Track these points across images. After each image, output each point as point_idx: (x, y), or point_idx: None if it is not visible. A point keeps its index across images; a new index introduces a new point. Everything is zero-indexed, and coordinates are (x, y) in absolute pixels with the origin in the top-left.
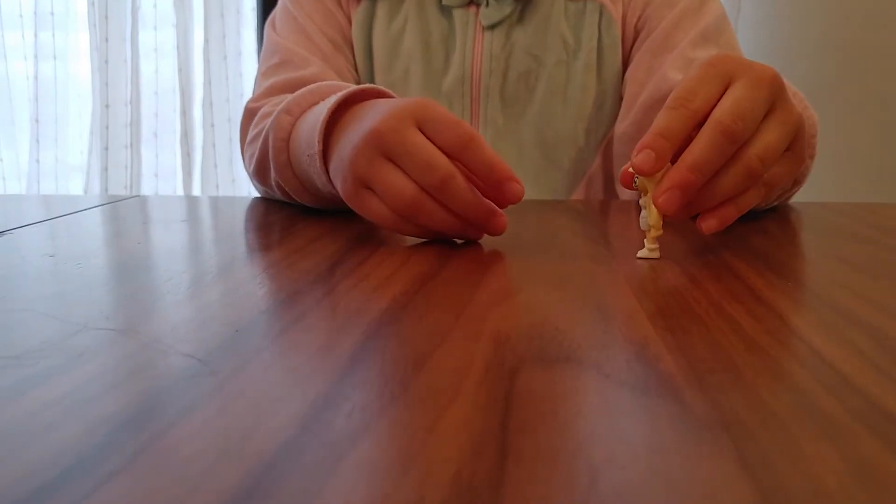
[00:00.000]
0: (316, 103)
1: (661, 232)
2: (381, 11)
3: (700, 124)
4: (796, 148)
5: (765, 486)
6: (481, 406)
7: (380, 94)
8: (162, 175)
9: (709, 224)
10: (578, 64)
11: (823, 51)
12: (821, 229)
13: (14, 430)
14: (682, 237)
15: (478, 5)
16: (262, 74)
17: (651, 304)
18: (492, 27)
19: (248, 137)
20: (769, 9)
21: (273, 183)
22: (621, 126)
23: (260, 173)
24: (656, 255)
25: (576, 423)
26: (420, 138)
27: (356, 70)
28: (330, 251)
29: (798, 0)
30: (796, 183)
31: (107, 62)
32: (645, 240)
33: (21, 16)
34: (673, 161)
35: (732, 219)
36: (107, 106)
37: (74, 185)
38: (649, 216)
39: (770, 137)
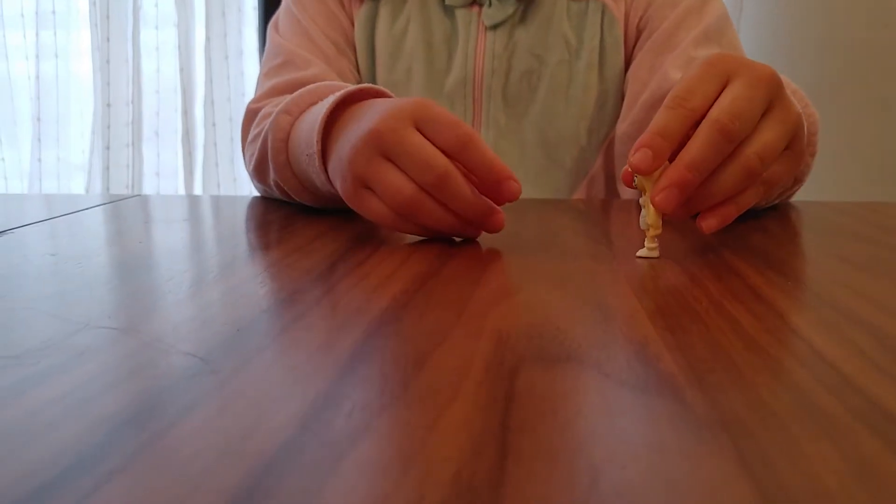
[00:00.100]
0: (315, 103)
1: (659, 231)
2: (384, 12)
3: (698, 123)
4: (795, 147)
5: (765, 485)
6: (481, 405)
7: (378, 94)
8: (163, 174)
9: (709, 223)
10: (581, 63)
11: (825, 50)
12: (821, 228)
13: (15, 429)
14: (683, 236)
15: (480, 5)
16: (265, 75)
17: (651, 303)
18: (494, 27)
19: (249, 137)
20: (771, 8)
21: (272, 182)
22: (623, 125)
23: (259, 173)
24: (655, 254)
25: (576, 423)
26: (418, 138)
27: (358, 71)
28: (330, 250)
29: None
30: (797, 181)
31: (108, 61)
32: (645, 239)
33: (22, 15)
34: (671, 160)
35: (732, 217)
36: (108, 105)
37: (76, 185)
38: (647, 215)
39: (768, 136)
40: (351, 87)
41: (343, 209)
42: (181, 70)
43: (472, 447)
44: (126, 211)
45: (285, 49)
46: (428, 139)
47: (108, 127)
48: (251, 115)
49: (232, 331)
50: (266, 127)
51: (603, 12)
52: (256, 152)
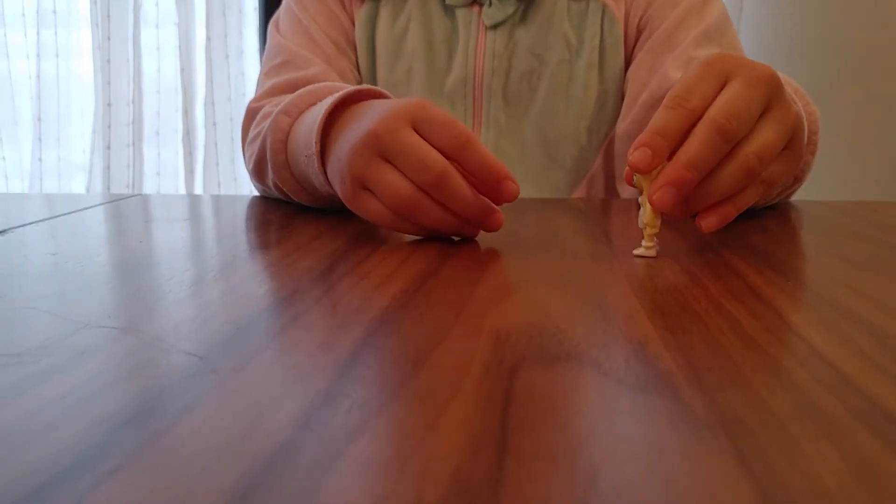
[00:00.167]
0: (314, 104)
1: (656, 230)
2: (385, 11)
3: (697, 123)
4: (794, 146)
5: (764, 485)
6: (480, 404)
7: (376, 95)
8: (164, 174)
9: (708, 222)
10: (581, 63)
11: (825, 50)
12: (821, 227)
13: (15, 429)
14: (682, 235)
15: (481, 5)
16: (265, 74)
17: (651, 302)
18: (494, 27)
19: (249, 137)
20: (771, 8)
21: (271, 183)
22: (623, 125)
23: (258, 173)
24: (652, 253)
25: (575, 422)
26: (415, 138)
27: (359, 71)
28: (330, 249)
29: None
30: (797, 180)
31: (109, 61)
32: (643, 238)
33: (23, 14)
34: (670, 160)
35: (731, 217)
36: (109, 105)
37: (77, 184)
38: (644, 214)
39: (767, 136)
40: (350, 88)
41: (342, 209)
42: (182, 70)
43: (470, 446)
44: (127, 210)
45: (286, 48)
46: (426, 140)
47: (109, 126)
48: (251, 115)
49: (232, 330)
50: (265, 128)
51: (603, 12)
52: (255, 153)
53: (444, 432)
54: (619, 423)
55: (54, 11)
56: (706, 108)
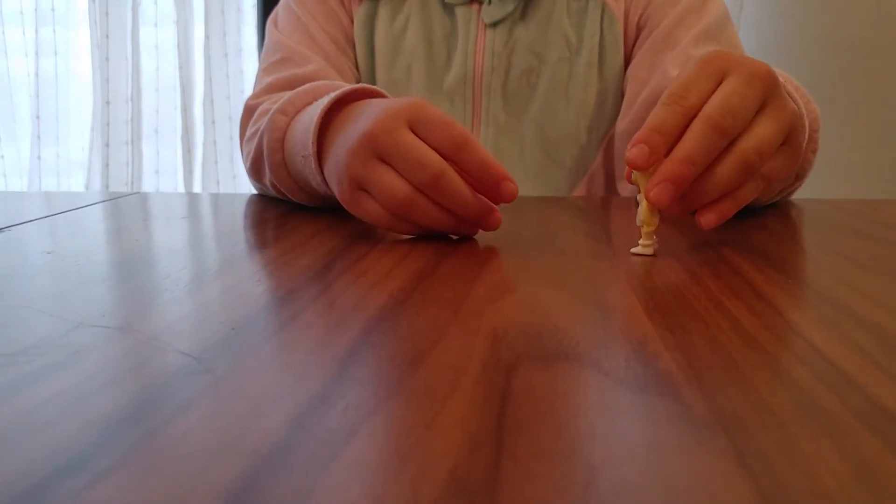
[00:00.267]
0: (310, 103)
1: (653, 228)
2: (384, 9)
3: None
4: (793, 142)
5: (764, 484)
6: (478, 403)
7: (373, 94)
8: (163, 172)
9: (707, 218)
10: (580, 61)
11: (825, 48)
12: (822, 226)
13: (10, 428)
14: (682, 233)
15: (480, 3)
16: (263, 71)
17: (650, 301)
18: (494, 25)
19: (247, 134)
20: (771, 7)
21: (268, 182)
22: (623, 123)
23: (256, 172)
24: (650, 251)
25: (573, 422)
26: (412, 138)
27: (357, 69)
28: (328, 248)
29: None
30: (798, 178)
31: (107, 59)
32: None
33: (22, 12)
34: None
35: (731, 213)
36: (108, 103)
37: (76, 182)
38: (641, 212)
39: (764, 131)
40: (346, 87)
41: (339, 207)
42: (180, 68)
43: (468, 445)
44: (125, 208)
45: (284, 45)
46: (423, 140)
47: (108, 124)
48: (249, 112)
49: (228, 329)
50: (262, 126)
51: (603, 10)
52: (252, 152)
53: (441, 431)
54: (618, 422)
55: (53, 9)
56: (703, 106)
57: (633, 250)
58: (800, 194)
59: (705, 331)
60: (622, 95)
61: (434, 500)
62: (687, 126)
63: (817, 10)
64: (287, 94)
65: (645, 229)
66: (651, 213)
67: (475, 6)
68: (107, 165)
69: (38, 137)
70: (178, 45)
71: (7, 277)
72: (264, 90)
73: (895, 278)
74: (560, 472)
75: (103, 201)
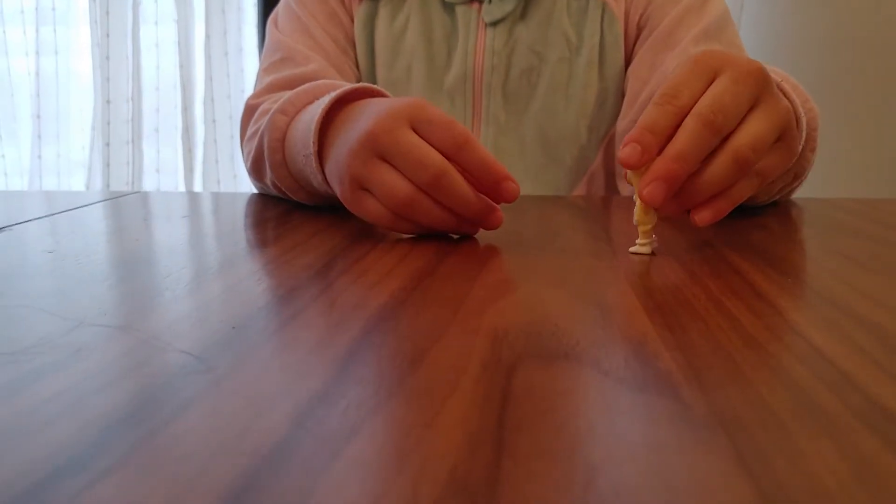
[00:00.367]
0: (311, 103)
1: (648, 227)
2: (384, 9)
3: None
4: (787, 140)
5: (763, 484)
6: (478, 403)
7: (373, 93)
8: (163, 171)
9: (702, 216)
10: (581, 61)
11: (825, 48)
12: (822, 225)
13: (10, 427)
14: (682, 233)
15: (480, 2)
16: (264, 71)
17: (650, 300)
18: (494, 24)
19: (248, 134)
20: (772, 6)
21: (269, 181)
22: (623, 123)
23: (256, 171)
24: (647, 250)
25: (573, 421)
26: (413, 138)
27: (358, 68)
28: (328, 247)
29: None
30: (797, 177)
31: (108, 58)
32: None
33: (22, 11)
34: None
35: (725, 211)
36: (108, 102)
37: (76, 181)
38: (636, 211)
39: (757, 127)
40: (347, 86)
41: (340, 206)
42: (181, 67)
43: (468, 445)
44: (126, 208)
45: (285, 45)
46: (424, 139)
47: (108, 123)
48: (250, 111)
49: (228, 328)
50: (262, 126)
51: (603, 10)
52: (253, 151)
53: (441, 431)
54: (618, 422)
55: (53, 8)
56: (695, 105)
57: (631, 249)
58: (800, 193)
59: (705, 330)
60: (622, 95)
61: (434, 500)
62: (679, 125)
63: (817, 10)
64: (287, 94)
65: (641, 228)
66: (645, 212)
67: (475, 5)
68: (107, 164)
69: (39, 137)
70: (179, 43)
71: (8, 276)
72: (265, 89)
73: (894, 277)
74: (560, 471)
75: (104, 200)
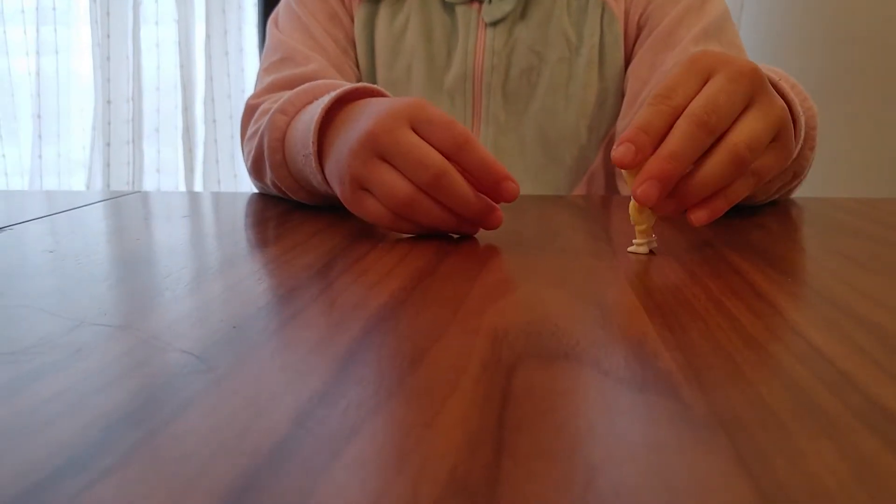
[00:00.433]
0: (310, 102)
1: (644, 226)
2: (384, 9)
3: None
4: (783, 139)
5: (763, 484)
6: (478, 403)
7: (373, 93)
8: (164, 171)
9: (698, 216)
10: (580, 60)
11: (825, 47)
12: (821, 225)
13: (11, 427)
14: (682, 233)
15: (480, 2)
16: (264, 71)
17: (650, 300)
18: (494, 24)
19: (248, 134)
20: (772, 6)
21: (269, 181)
22: (623, 123)
23: (256, 171)
24: (643, 250)
25: (573, 421)
26: (414, 138)
27: (358, 68)
28: (329, 247)
29: None
30: (796, 176)
31: (108, 58)
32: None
33: (23, 11)
34: None
35: (722, 210)
36: (108, 102)
37: (77, 181)
38: (630, 211)
39: (752, 125)
40: (346, 86)
41: (340, 206)
42: (181, 67)
43: (468, 445)
44: (126, 207)
45: (285, 45)
46: (424, 139)
47: (109, 123)
48: (250, 111)
49: (228, 328)
50: (262, 126)
51: (603, 9)
52: (253, 151)
53: (441, 431)
54: (618, 422)
55: (54, 8)
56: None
57: (629, 249)
58: (799, 193)
59: (705, 330)
60: (622, 95)
61: (434, 500)
62: (673, 125)
63: (817, 10)
64: (287, 94)
65: (637, 228)
66: (640, 211)
67: (475, 5)
68: (108, 164)
69: (40, 136)
70: (179, 43)
71: (8, 276)
72: (265, 89)
73: (894, 277)
74: (560, 471)
75: (104, 200)
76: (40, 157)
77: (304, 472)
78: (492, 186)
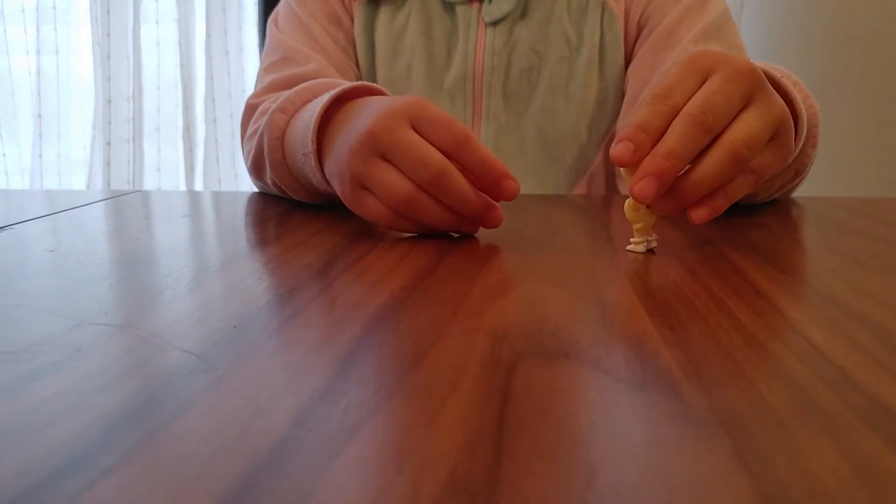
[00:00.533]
0: (310, 101)
1: (640, 225)
2: (384, 8)
3: None
4: (782, 137)
5: (763, 483)
6: (478, 402)
7: (372, 92)
8: (164, 170)
9: (698, 214)
10: (581, 60)
11: (826, 46)
12: (823, 224)
13: (11, 426)
14: (682, 231)
15: (481, 1)
16: (264, 70)
17: (650, 299)
18: (494, 23)
19: (248, 133)
20: (772, 5)
21: (269, 180)
22: (623, 123)
23: (256, 170)
24: (641, 248)
25: (573, 420)
26: (414, 137)
27: (358, 67)
28: (329, 246)
29: None
30: (798, 174)
31: (109, 57)
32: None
33: (23, 10)
34: None
35: (722, 208)
36: (109, 101)
37: (77, 180)
38: (626, 209)
39: (751, 123)
40: (346, 84)
41: (340, 205)
42: (182, 66)
43: (468, 444)
44: (127, 207)
45: (285, 44)
46: (424, 138)
47: (109, 123)
48: (250, 111)
49: (229, 327)
50: (262, 125)
51: (603, 9)
52: (253, 150)
53: (441, 430)
54: (618, 421)
55: (54, 7)
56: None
57: (627, 248)
58: (801, 192)
59: (705, 329)
60: (623, 95)
61: (434, 499)
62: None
63: (818, 9)
64: (287, 93)
65: (635, 227)
66: (636, 209)
67: (475, 5)
68: (108, 164)
69: (40, 136)
70: (180, 42)
71: (8, 276)
72: (265, 89)
73: (895, 276)
74: (560, 470)
75: (105, 199)
76: (41, 156)
77: (304, 471)
78: (492, 185)
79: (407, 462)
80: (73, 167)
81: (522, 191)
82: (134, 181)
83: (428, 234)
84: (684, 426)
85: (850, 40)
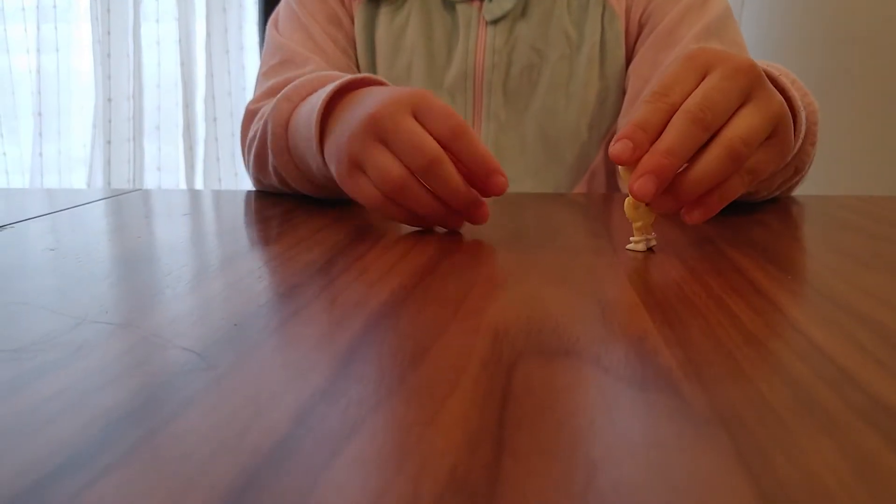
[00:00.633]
0: (315, 91)
1: (639, 223)
2: (384, 7)
3: None
4: (780, 135)
5: (763, 481)
6: (478, 401)
7: (376, 83)
8: (164, 168)
9: (692, 215)
10: (581, 58)
11: (826, 45)
12: (822, 222)
13: (12, 424)
14: (682, 230)
15: (481, 0)
16: (264, 74)
17: (650, 297)
18: (495, 22)
19: (249, 137)
20: (773, 3)
21: (271, 170)
22: (624, 121)
23: (259, 161)
24: (641, 247)
25: (573, 419)
26: (413, 124)
27: (358, 68)
28: (329, 244)
29: None
30: (797, 171)
31: (109, 55)
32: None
33: (23, 9)
34: None
35: (717, 209)
36: (109, 100)
37: (77, 179)
38: (626, 208)
39: (749, 121)
40: (351, 75)
41: (341, 201)
42: (182, 64)
43: (468, 443)
44: (127, 205)
45: (284, 47)
46: (423, 127)
47: (110, 121)
48: (250, 116)
49: (230, 326)
50: (266, 113)
51: (603, 7)
52: (257, 139)
53: (441, 429)
54: (618, 419)
55: (54, 6)
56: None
57: (627, 247)
58: (801, 191)
59: (705, 327)
60: (623, 93)
61: (435, 498)
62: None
63: (818, 7)
64: (292, 83)
65: (634, 225)
66: (635, 207)
67: (476, 3)
68: (108, 162)
69: (40, 134)
70: (180, 41)
71: (9, 274)
72: (265, 94)
73: (895, 275)
74: (560, 469)
75: (105, 198)
76: (41, 154)
77: (304, 470)
78: (482, 179)
79: (407, 460)
80: (74, 166)
81: (523, 189)
82: (134, 180)
83: (427, 233)
84: (684, 425)
85: (850, 40)
